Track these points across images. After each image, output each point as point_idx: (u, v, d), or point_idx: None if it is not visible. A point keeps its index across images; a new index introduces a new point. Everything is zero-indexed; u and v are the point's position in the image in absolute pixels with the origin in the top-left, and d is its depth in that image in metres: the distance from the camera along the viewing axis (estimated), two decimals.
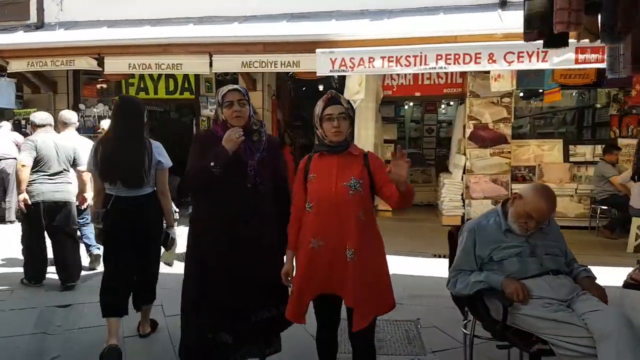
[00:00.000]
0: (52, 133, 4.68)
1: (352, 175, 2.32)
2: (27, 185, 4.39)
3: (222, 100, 2.62)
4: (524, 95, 10.28)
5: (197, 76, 8.96)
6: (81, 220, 5.08)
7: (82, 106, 9.23)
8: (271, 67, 7.15)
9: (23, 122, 8.75)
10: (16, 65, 7.87)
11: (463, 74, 7.94)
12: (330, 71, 6.00)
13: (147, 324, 3.52)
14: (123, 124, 3.22)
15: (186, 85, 9.10)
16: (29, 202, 4.38)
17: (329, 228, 2.30)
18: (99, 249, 4.85)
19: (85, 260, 5.03)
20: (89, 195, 4.67)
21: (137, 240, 3.25)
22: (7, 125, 7.98)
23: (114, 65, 7.65)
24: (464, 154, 7.83)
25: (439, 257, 5.42)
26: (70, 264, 4.62)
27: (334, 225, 2.29)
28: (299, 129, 11.10)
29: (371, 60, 5.96)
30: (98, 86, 9.44)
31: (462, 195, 7.85)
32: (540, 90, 8.90)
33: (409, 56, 5.83)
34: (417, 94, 8.66)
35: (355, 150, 2.41)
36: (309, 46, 6.62)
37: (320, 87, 10.31)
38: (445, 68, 5.88)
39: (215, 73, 8.76)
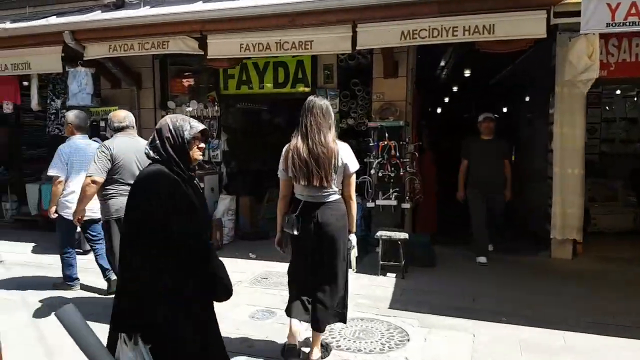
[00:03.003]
0: (133, 137, 4.13)
1: None
2: (107, 199, 3.89)
3: None
4: None
5: (314, 62, 6.90)
6: (93, 234, 4.63)
7: (171, 104, 7.41)
8: (447, 35, 4.91)
9: (102, 122, 7.03)
10: (95, 51, 6.12)
11: None
12: (608, 25, 3.66)
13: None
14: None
15: (300, 76, 7.05)
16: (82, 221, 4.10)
17: None
18: (115, 273, 4.35)
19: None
20: None
21: (322, 246, 3.16)
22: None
23: (221, 47, 5.72)
24: None
25: None
26: None
27: None
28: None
29: None
30: (186, 82, 7.58)
31: None
32: None
33: None
34: None
35: None
36: None
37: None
38: None
39: (339, 57, 6.70)
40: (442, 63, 8.93)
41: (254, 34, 5.55)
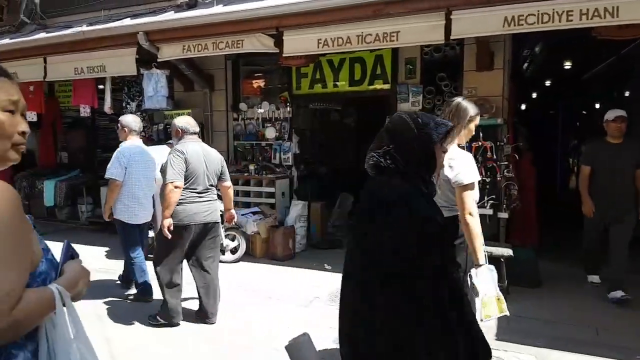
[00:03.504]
0: (200, 142, 4.02)
1: None
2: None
3: None
4: None
5: (394, 56, 6.34)
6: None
7: (243, 106, 7.13)
8: (559, 21, 4.17)
9: None
10: (169, 52, 5.92)
11: None
12: None
13: None
14: None
15: (378, 72, 6.51)
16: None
17: None
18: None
19: None
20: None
21: None
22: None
23: (297, 43, 5.31)
24: None
25: None
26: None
27: None
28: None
29: None
30: (257, 83, 7.26)
31: None
32: None
33: None
34: None
35: None
36: None
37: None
38: None
39: (422, 49, 6.10)
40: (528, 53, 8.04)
41: (333, 27, 5.08)
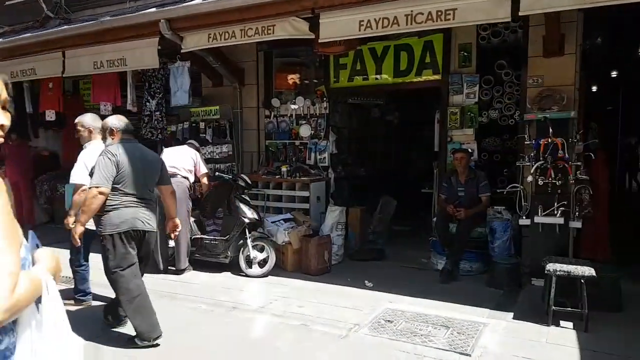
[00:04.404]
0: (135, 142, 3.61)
1: None
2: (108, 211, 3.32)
3: None
4: None
5: (446, 43, 5.58)
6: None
7: (276, 101, 6.54)
8: None
9: (202, 124, 6.34)
10: (193, 41, 5.38)
11: None
12: None
13: None
14: None
15: (427, 60, 5.75)
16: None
17: None
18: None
19: None
20: None
21: None
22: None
23: (335, 27, 4.63)
24: None
25: None
26: None
27: None
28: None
29: None
30: (292, 77, 6.63)
31: None
32: None
33: None
34: None
35: None
36: None
37: None
38: None
39: (479, 34, 5.35)
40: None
41: (376, 6, 4.39)
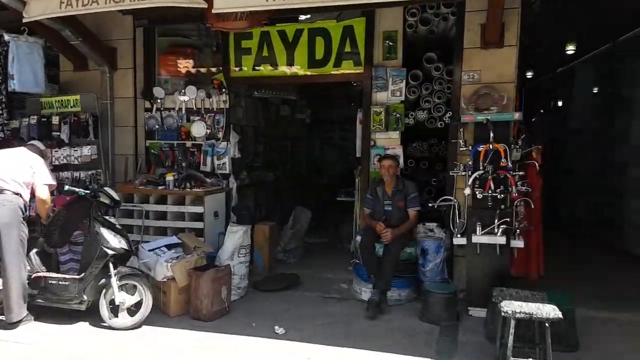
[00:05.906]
0: None
1: None
2: None
3: None
4: None
5: (369, 29, 4.73)
6: None
7: (159, 91, 5.21)
8: None
9: (56, 119, 4.83)
10: (39, 7, 3.92)
11: None
12: None
13: None
14: None
15: (347, 49, 4.84)
16: None
17: None
18: None
19: None
20: None
21: None
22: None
23: None
24: None
25: None
26: None
27: None
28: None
29: None
30: (181, 61, 5.37)
31: None
32: None
33: None
34: None
35: None
36: None
37: None
38: None
39: (406, 20, 4.58)
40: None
41: None
